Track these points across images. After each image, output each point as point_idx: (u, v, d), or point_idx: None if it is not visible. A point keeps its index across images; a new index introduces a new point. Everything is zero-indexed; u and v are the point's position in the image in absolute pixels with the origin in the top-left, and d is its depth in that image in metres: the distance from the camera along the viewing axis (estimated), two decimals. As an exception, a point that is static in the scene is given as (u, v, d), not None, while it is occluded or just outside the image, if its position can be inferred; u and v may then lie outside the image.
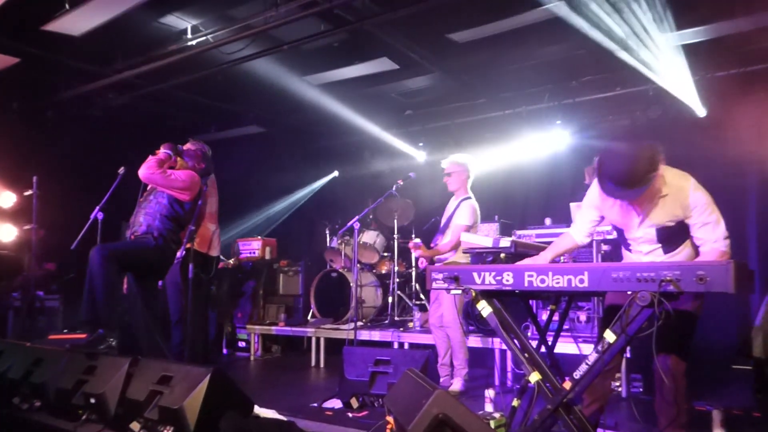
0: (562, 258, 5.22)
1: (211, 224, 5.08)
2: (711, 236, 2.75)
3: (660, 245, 2.87)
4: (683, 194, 2.74)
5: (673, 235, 2.83)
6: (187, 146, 4.87)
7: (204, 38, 5.58)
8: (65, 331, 5.41)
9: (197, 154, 4.79)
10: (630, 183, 2.62)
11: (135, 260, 4.38)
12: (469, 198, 5.17)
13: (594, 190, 2.99)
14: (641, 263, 2.44)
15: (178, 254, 4.30)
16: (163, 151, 4.58)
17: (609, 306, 3.01)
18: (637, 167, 2.60)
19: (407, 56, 6.12)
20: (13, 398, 3.87)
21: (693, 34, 5.56)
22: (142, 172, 4.43)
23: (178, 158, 4.71)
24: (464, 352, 4.94)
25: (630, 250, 3.01)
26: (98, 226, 5.06)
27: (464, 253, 5.23)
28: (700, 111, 6.33)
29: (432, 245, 5.24)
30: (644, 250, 2.92)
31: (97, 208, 4.99)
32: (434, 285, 2.81)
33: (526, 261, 3.00)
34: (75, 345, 3.94)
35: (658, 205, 2.78)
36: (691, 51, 5.72)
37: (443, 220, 5.27)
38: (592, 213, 3.04)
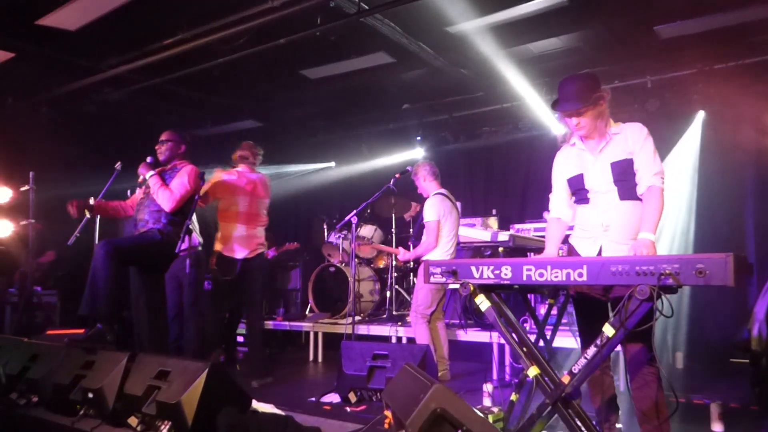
0: (560, 252, 5.26)
1: (239, 224, 5.05)
2: (647, 168, 2.83)
3: (616, 188, 2.90)
4: (635, 128, 2.93)
5: (628, 175, 2.88)
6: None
7: (200, 31, 5.55)
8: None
9: (168, 145, 4.68)
10: (574, 93, 2.92)
11: (140, 255, 4.36)
12: (436, 194, 5.26)
13: (555, 160, 3.22)
14: (641, 257, 2.41)
15: (181, 248, 4.29)
16: (150, 175, 4.52)
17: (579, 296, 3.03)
18: (579, 81, 2.97)
19: (404, 50, 6.10)
20: (11, 394, 3.87)
21: (690, 26, 5.54)
22: (170, 205, 4.41)
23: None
24: (431, 348, 5.01)
25: (588, 200, 3.01)
26: (95, 222, 5.04)
27: (461, 245, 5.29)
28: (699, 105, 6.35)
29: (410, 242, 5.38)
30: (601, 190, 2.94)
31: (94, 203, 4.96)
32: (432, 279, 2.80)
33: (535, 258, 2.98)
34: (73, 340, 3.92)
35: (612, 141, 2.95)
36: (688, 43, 5.71)
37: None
38: (560, 180, 3.17)
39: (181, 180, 4.51)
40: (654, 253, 2.65)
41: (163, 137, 4.73)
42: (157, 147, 4.71)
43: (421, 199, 5.51)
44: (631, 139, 2.90)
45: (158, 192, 4.46)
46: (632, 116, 6.70)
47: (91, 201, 4.57)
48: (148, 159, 4.64)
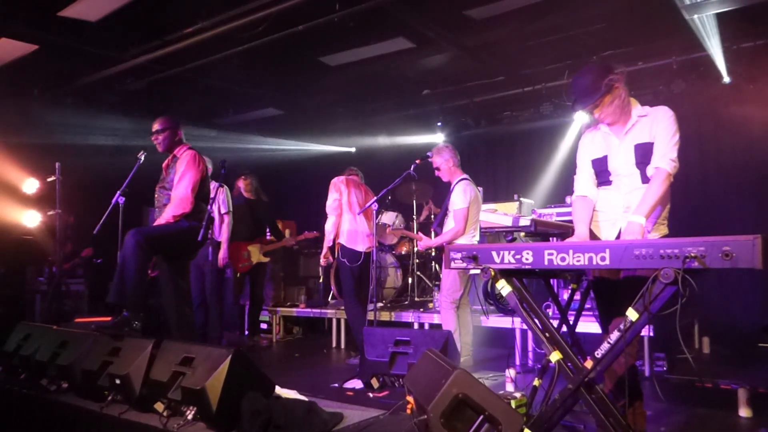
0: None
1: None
2: (660, 150, 2.80)
3: (638, 171, 2.87)
4: (661, 111, 2.88)
5: (650, 158, 2.84)
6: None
7: (219, 19, 5.55)
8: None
9: (165, 134, 4.50)
10: (586, 88, 2.87)
11: (169, 243, 4.37)
12: (463, 179, 5.18)
13: (580, 142, 3.17)
14: (665, 240, 2.36)
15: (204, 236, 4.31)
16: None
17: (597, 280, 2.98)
18: (588, 74, 2.90)
19: (423, 35, 6.04)
20: (41, 380, 3.97)
21: (718, 4, 5.39)
22: (184, 208, 4.27)
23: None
24: (458, 334, 4.97)
25: (610, 182, 2.99)
26: (119, 211, 5.10)
27: (482, 231, 5.24)
28: (725, 80, 6.19)
29: (433, 228, 5.36)
30: (623, 172, 2.92)
31: (118, 192, 5.01)
32: (453, 264, 2.78)
33: (570, 240, 2.93)
34: (100, 327, 3.99)
35: (638, 123, 2.91)
36: (716, 21, 5.56)
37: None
38: (585, 161, 3.13)
39: (183, 177, 4.34)
40: (642, 237, 2.64)
41: (157, 126, 4.53)
42: (153, 138, 4.54)
43: (438, 183, 5.46)
44: (656, 122, 2.86)
45: (168, 210, 4.32)
46: (657, 97, 6.59)
47: None
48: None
